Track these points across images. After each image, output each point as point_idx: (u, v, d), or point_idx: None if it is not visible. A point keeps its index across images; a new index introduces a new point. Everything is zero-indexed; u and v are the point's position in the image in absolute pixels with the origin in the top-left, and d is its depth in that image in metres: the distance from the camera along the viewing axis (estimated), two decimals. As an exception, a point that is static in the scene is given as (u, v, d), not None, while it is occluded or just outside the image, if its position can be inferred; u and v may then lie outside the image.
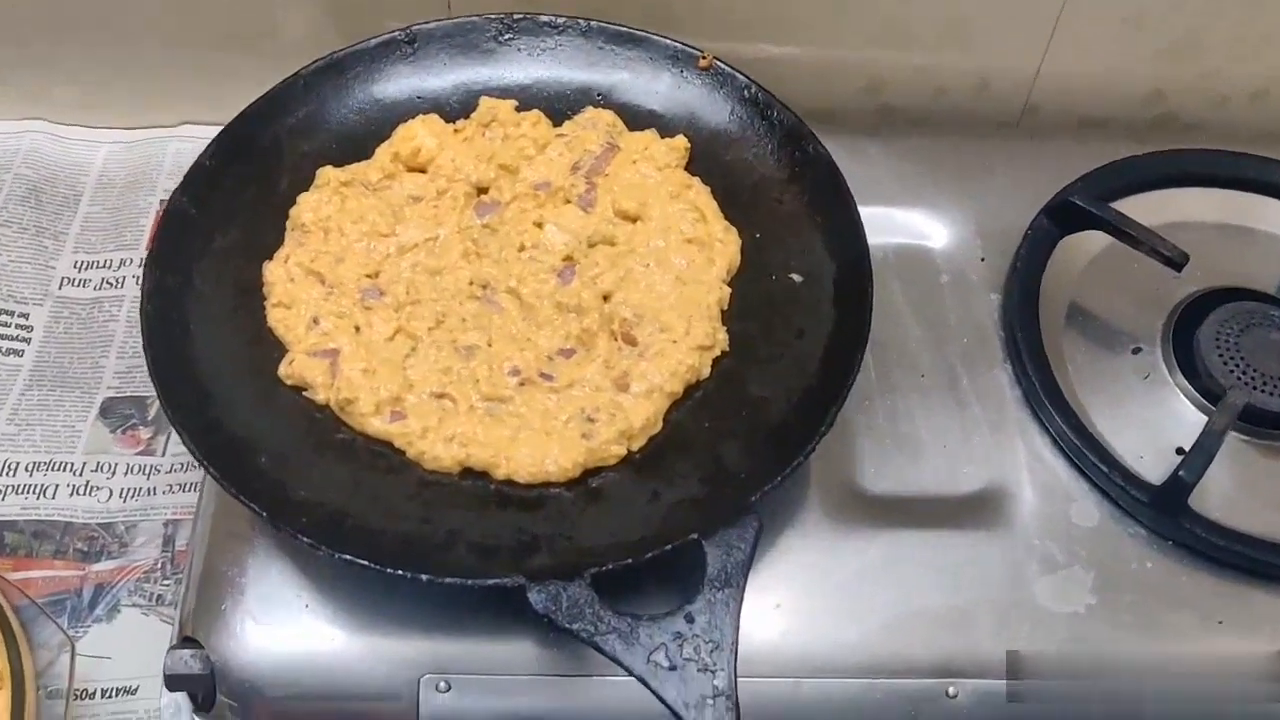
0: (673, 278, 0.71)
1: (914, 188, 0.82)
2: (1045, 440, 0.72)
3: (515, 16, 0.80)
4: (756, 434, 0.67)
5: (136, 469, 0.83)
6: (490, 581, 0.59)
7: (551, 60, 0.80)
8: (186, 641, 0.64)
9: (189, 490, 0.81)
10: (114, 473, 0.82)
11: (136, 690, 0.75)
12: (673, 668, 0.57)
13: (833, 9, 0.89)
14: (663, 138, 0.77)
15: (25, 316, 0.89)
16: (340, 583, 0.65)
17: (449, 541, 0.63)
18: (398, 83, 0.78)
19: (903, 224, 0.80)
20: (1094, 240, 0.79)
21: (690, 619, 0.58)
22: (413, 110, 0.78)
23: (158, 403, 0.80)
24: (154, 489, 0.82)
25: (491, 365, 0.68)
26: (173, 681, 0.64)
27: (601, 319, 0.70)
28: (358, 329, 0.69)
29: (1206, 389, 0.73)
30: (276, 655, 0.64)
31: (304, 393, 0.68)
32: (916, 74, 0.93)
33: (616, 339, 0.70)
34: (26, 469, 0.82)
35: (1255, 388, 0.72)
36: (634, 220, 0.74)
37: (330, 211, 0.73)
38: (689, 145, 0.77)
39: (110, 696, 0.74)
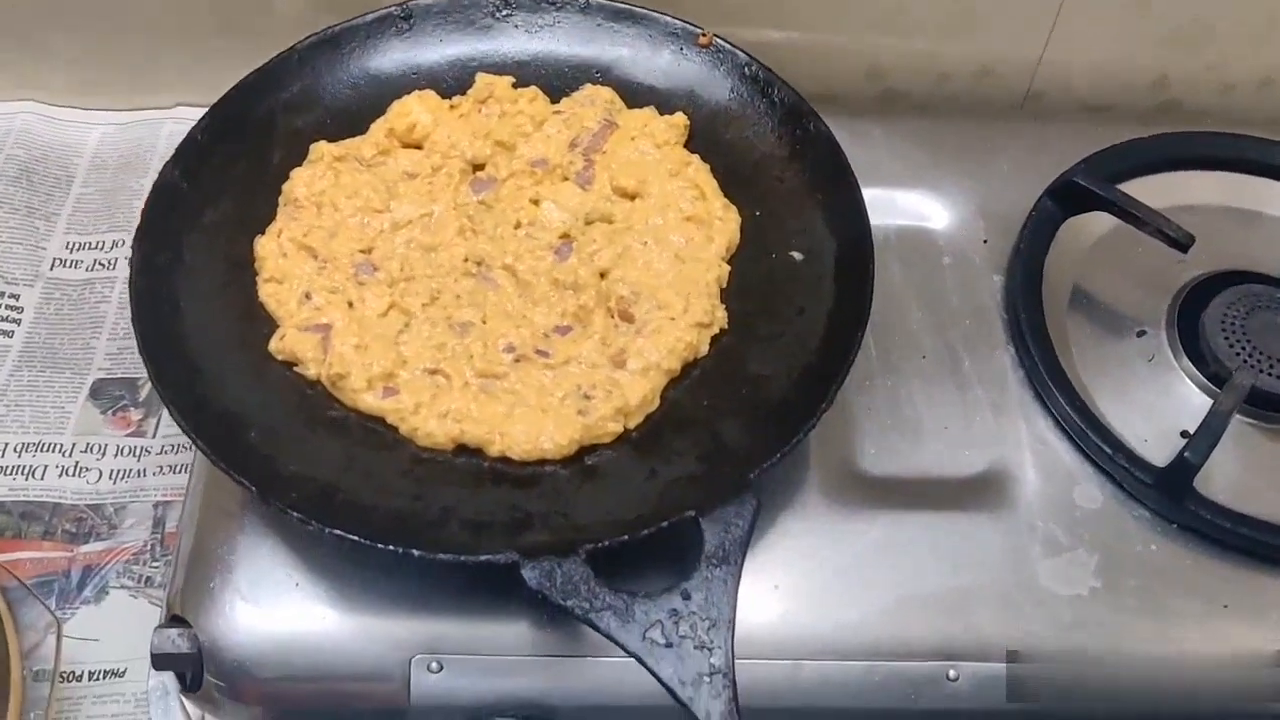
0: (671, 255, 0.70)
1: (916, 169, 0.81)
2: (1048, 422, 0.71)
3: (512, -8, 0.79)
4: (756, 411, 0.66)
5: (127, 450, 0.82)
6: (483, 558, 0.58)
7: (550, 37, 0.79)
8: (174, 620, 0.63)
9: (179, 472, 0.80)
10: (104, 454, 0.81)
11: (124, 673, 0.74)
12: (669, 645, 0.55)
13: (834, -7, 0.88)
14: (662, 115, 0.76)
15: (15, 297, 0.88)
16: (331, 561, 0.64)
17: (442, 518, 0.62)
18: (393, 58, 0.77)
19: (904, 205, 0.80)
20: (1098, 222, 0.78)
21: (687, 595, 0.57)
22: (408, 86, 0.76)
23: (149, 384, 0.79)
24: (144, 470, 0.81)
25: (486, 342, 0.67)
26: (159, 661, 0.63)
27: (598, 296, 0.69)
28: (350, 304, 0.68)
29: (1212, 373, 0.72)
30: (265, 635, 0.63)
31: (295, 368, 0.67)
32: (919, 60, 0.93)
33: (614, 316, 0.69)
34: (15, 450, 0.81)
35: (1262, 370, 0.71)
36: (632, 198, 0.73)
37: (324, 186, 0.72)
38: (688, 122, 0.76)
39: (97, 679, 0.73)
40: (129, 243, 0.89)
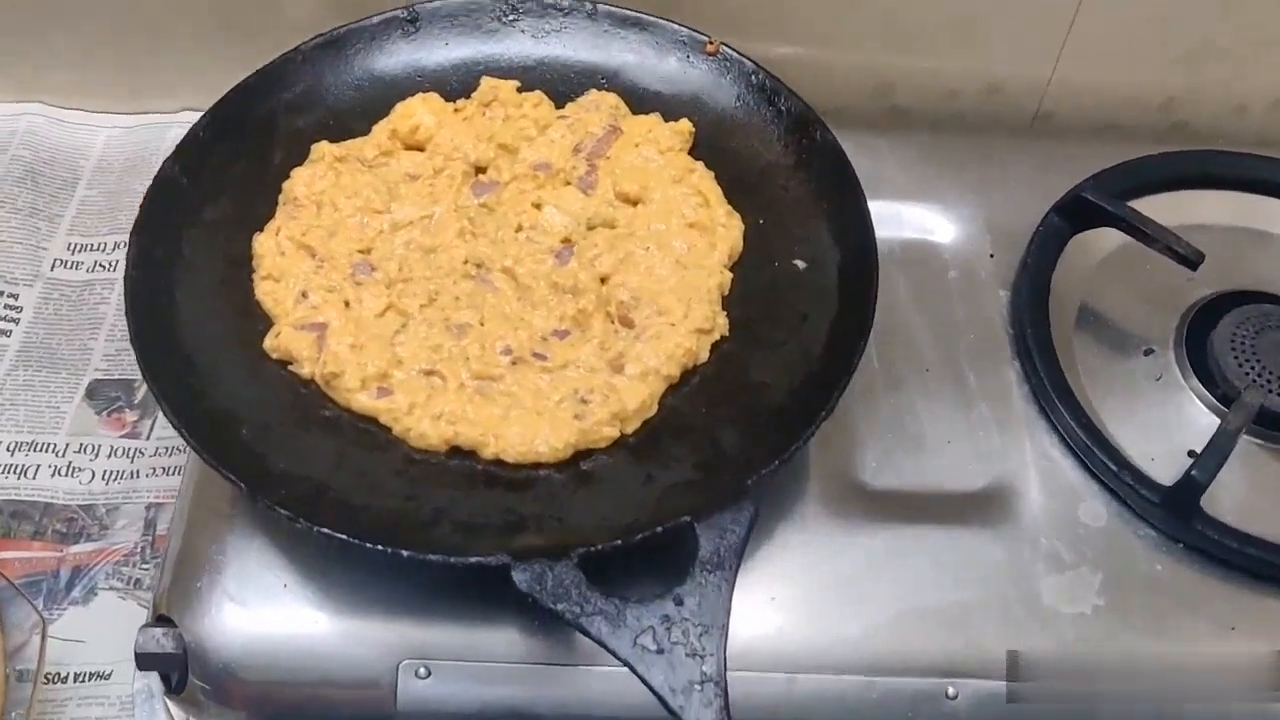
0: (673, 261, 0.70)
1: (922, 182, 0.81)
2: (1053, 438, 0.70)
3: (520, -2, 0.79)
4: (756, 419, 0.65)
5: (120, 452, 0.81)
6: (473, 559, 0.57)
7: (556, 42, 0.78)
8: (160, 620, 0.62)
9: (173, 474, 0.79)
10: (97, 454, 0.80)
11: (110, 675, 0.72)
12: (660, 651, 0.54)
13: (842, 10, 0.88)
14: (667, 121, 0.76)
15: (15, 297, 0.88)
16: (321, 563, 0.63)
17: (433, 519, 0.61)
18: (398, 60, 0.77)
19: (910, 218, 0.79)
20: (1106, 239, 0.77)
21: (679, 601, 0.55)
22: (412, 88, 0.76)
23: (144, 386, 0.79)
24: (137, 472, 0.80)
25: (483, 344, 0.66)
26: (144, 660, 0.61)
27: (598, 300, 0.68)
28: (347, 304, 0.68)
29: (1220, 392, 0.71)
30: (252, 636, 0.62)
31: (289, 367, 0.66)
32: (927, 77, 0.92)
33: (613, 321, 0.68)
34: (8, 449, 0.80)
35: (1271, 390, 0.70)
36: (635, 203, 0.73)
37: (324, 186, 0.71)
38: (693, 129, 0.76)
39: (82, 681, 0.72)
40: (130, 243, 0.91)
